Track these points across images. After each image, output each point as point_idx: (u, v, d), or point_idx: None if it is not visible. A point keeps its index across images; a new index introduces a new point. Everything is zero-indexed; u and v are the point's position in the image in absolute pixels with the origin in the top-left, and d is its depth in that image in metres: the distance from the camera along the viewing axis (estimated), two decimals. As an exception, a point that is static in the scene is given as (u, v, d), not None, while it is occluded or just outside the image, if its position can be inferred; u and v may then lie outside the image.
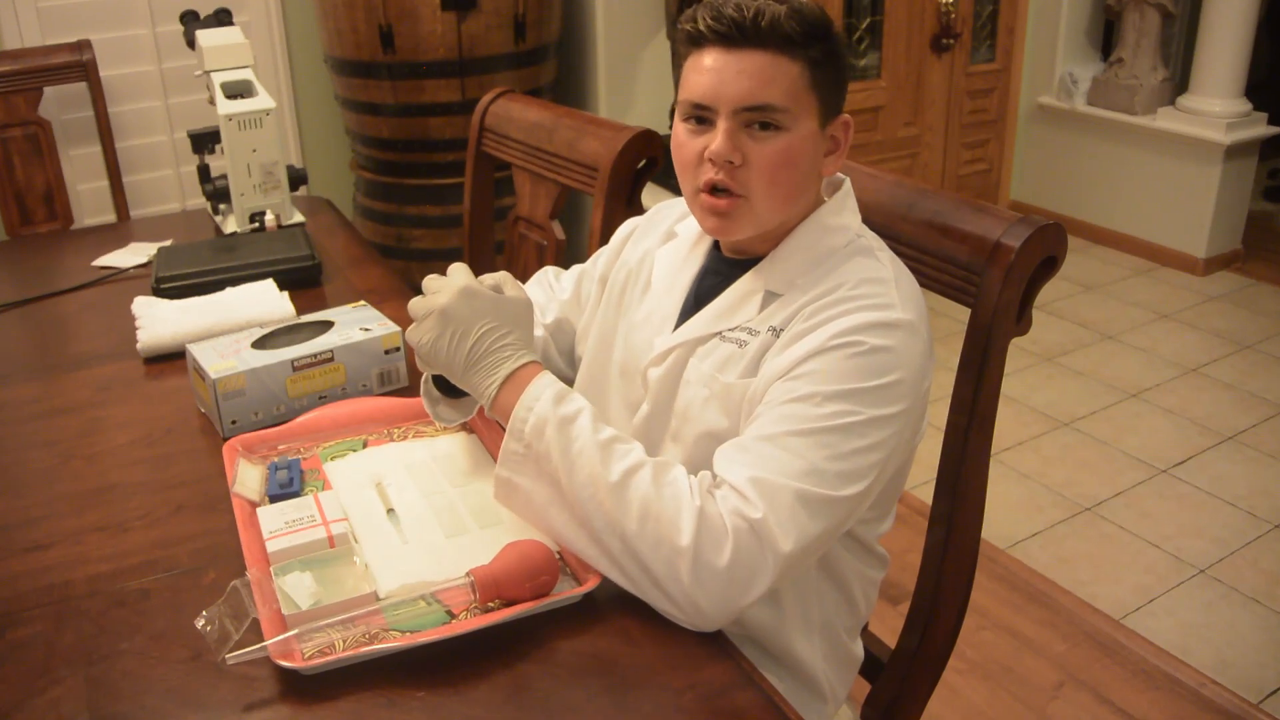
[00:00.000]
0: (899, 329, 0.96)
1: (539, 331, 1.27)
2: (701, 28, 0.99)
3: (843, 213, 1.06)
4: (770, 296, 1.04)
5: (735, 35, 0.97)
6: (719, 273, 1.10)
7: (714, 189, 1.00)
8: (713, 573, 0.87)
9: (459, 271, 1.03)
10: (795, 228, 1.05)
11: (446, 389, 1.15)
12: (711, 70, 0.98)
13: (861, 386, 0.94)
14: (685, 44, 1.02)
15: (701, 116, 1.00)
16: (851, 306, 0.97)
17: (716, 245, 1.12)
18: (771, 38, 0.96)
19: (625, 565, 0.91)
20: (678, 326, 1.10)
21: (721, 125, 0.98)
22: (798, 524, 0.89)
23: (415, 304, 1.03)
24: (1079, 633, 2.14)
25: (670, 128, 1.08)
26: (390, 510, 1.06)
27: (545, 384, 0.98)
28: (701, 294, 1.10)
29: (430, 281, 1.03)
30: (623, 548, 0.90)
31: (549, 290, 1.33)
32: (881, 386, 0.94)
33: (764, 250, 1.06)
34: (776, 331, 1.01)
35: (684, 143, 1.02)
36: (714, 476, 0.94)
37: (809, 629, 1.09)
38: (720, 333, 1.06)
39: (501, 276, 1.07)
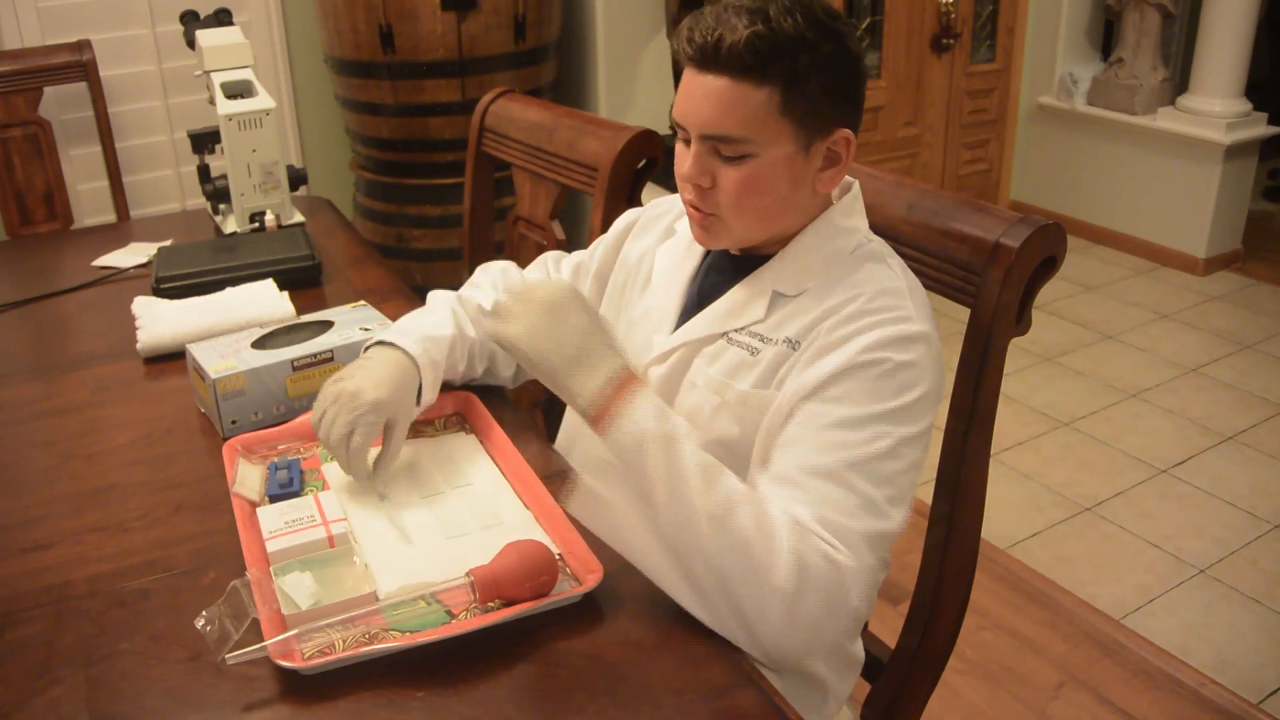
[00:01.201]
0: (919, 342, 0.96)
1: None
2: (684, 45, 0.98)
3: (851, 215, 1.06)
4: (778, 298, 1.03)
5: (700, 59, 0.96)
6: (722, 270, 1.09)
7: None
8: (804, 617, 0.86)
9: (560, 280, 1.00)
10: (803, 229, 1.04)
11: None
12: (685, 91, 0.98)
13: (892, 406, 0.94)
14: (676, 57, 1.02)
15: (685, 136, 1.01)
16: (872, 321, 0.96)
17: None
18: (730, 64, 0.94)
19: (712, 597, 0.87)
20: (679, 324, 1.10)
21: (693, 148, 0.99)
22: (868, 568, 0.90)
23: (504, 300, 0.96)
24: (1079, 633, 2.14)
25: (670, 128, 1.08)
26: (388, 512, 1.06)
27: (649, 396, 0.92)
28: (705, 291, 1.10)
29: (525, 287, 0.97)
30: (714, 580, 0.87)
31: (548, 277, 1.32)
32: (909, 404, 0.95)
33: (771, 250, 1.06)
34: (793, 344, 1.00)
35: (677, 154, 1.03)
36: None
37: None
38: (726, 334, 1.05)
39: (507, 265, 1.09)
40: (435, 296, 1.28)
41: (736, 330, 1.04)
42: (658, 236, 1.20)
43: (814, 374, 0.95)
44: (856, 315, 0.97)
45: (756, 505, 0.88)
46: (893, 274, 1.02)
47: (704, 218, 1.02)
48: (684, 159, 1.01)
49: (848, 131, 1.00)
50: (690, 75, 0.98)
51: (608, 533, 0.92)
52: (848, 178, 1.10)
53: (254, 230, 1.88)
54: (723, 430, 1.03)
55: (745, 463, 1.02)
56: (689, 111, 0.98)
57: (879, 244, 1.06)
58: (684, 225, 1.15)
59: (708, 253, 1.12)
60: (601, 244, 1.27)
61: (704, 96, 0.96)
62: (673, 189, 1.11)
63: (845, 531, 0.89)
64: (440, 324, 1.20)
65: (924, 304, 1.01)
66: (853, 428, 0.93)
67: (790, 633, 0.86)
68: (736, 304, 1.05)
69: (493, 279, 1.31)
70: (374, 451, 1.11)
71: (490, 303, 1.00)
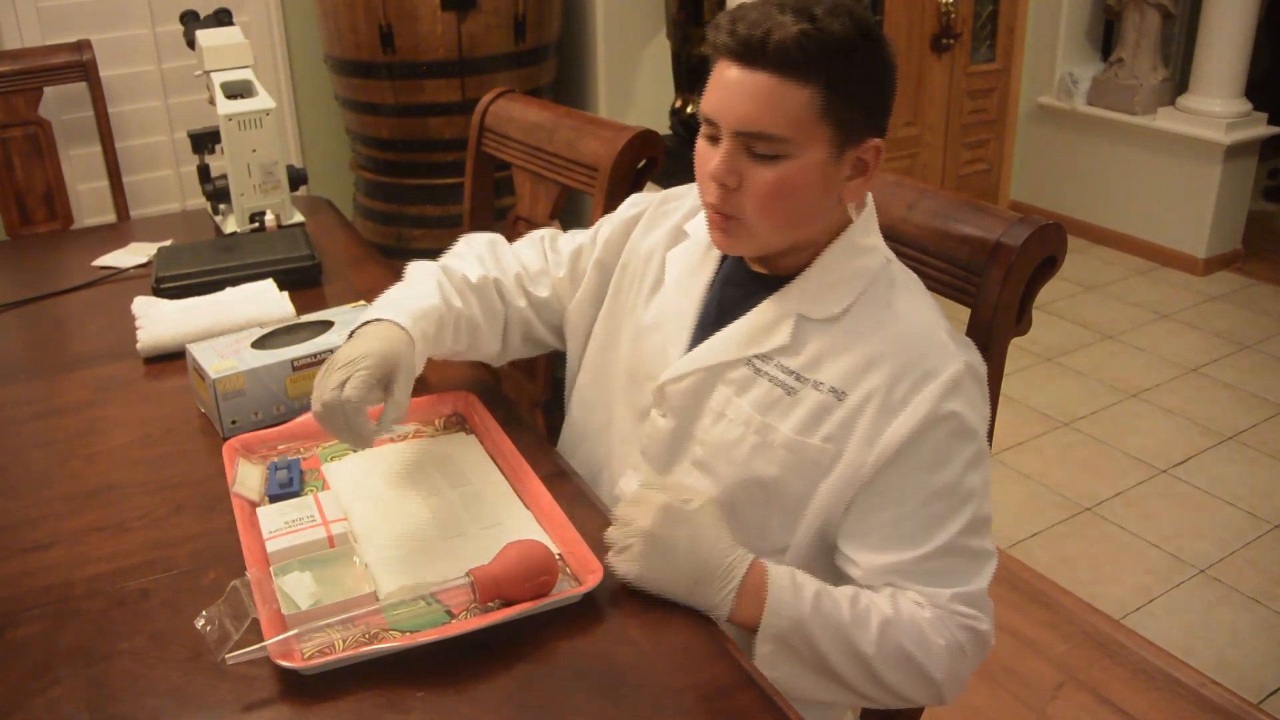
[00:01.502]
0: (969, 378, 0.96)
1: (521, 301, 1.23)
2: (722, 37, 0.94)
3: (870, 233, 1.03)
4: (803, 322, 1.00)
5: (744, 53, 0.92)
6: (740, 284, 1.06)
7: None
8: (962, 680, 0.97)
9: (651, 494, 0.97)
10: (825, 247, 1.01)
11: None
12: (721, 86, 0.95)
13: (972, 453, 0.95)
14: (710, 49, 0.98)
15: (712, 132, 0.97)
16: (930, 373, 0.95)
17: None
18: (778, 61, 0.91)
19: (887, 702, 0.98)
20: (695, 337, 1.06)
21: (723, 145, 0.96)
22: (992, 606, 0.98)
23: (613, 534, 0.95)
24: (1079, 633, 2.14)
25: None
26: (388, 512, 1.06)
27: (777, 578, 0.94)
28: (724, 304, 1.06)
29: (625, 509, 0.97)
30: (887, 694, 0.96)
31: (544, 259, 1.26)
32: (981, 446, 0.97)
33: (791, 266, 1.02)
34: (838, 394, 0.97)
35: (700, 153, 0.99)
36: (909, 594, 0.96)
37: None
38: (750, 359, 1.02)
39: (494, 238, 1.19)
40: (416, 268, 1.22)
41: (762, 357, 1.01)
42: (667, 235, 1.15)
43: (890, 442, 0.94)
44: (911, 369, 0.95)
45: (901, 621, 0.93)
46: (925, 304, 1.00)
47: (725, 220, 0.98)
48: (709, 157, 0.98)
49: (879, 140, 0.98)
50: (728, 69, 0.94)
51: (794, 691, 0.94)
52: None
53: (254, 230, 1.88)
54: (761, 470, 1.00)
55: (783, 504, 1.00)
56: (724, 106, 0.95)
57: (898, 267, 1.03)
58: (696, 227, 1.12)
59: (723, 261, 1.08)
60: (605, 228, 1.21)
61: (744, 92, 0.93)
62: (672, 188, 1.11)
63: (975, 596, 0.96)
64: (426, 295, 1.14)
65: (950, 326, 1.00)
66: (948, 495, 0.95)
67: (950, 695, 0.97)
68: (760, 325, 1.01)
69: (478, 252, 1.25)
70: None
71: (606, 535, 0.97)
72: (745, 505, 1.01)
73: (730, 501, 1.01)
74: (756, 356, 1.01)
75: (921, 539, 0.94)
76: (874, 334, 0.97)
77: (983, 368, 1.00)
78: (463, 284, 1.19)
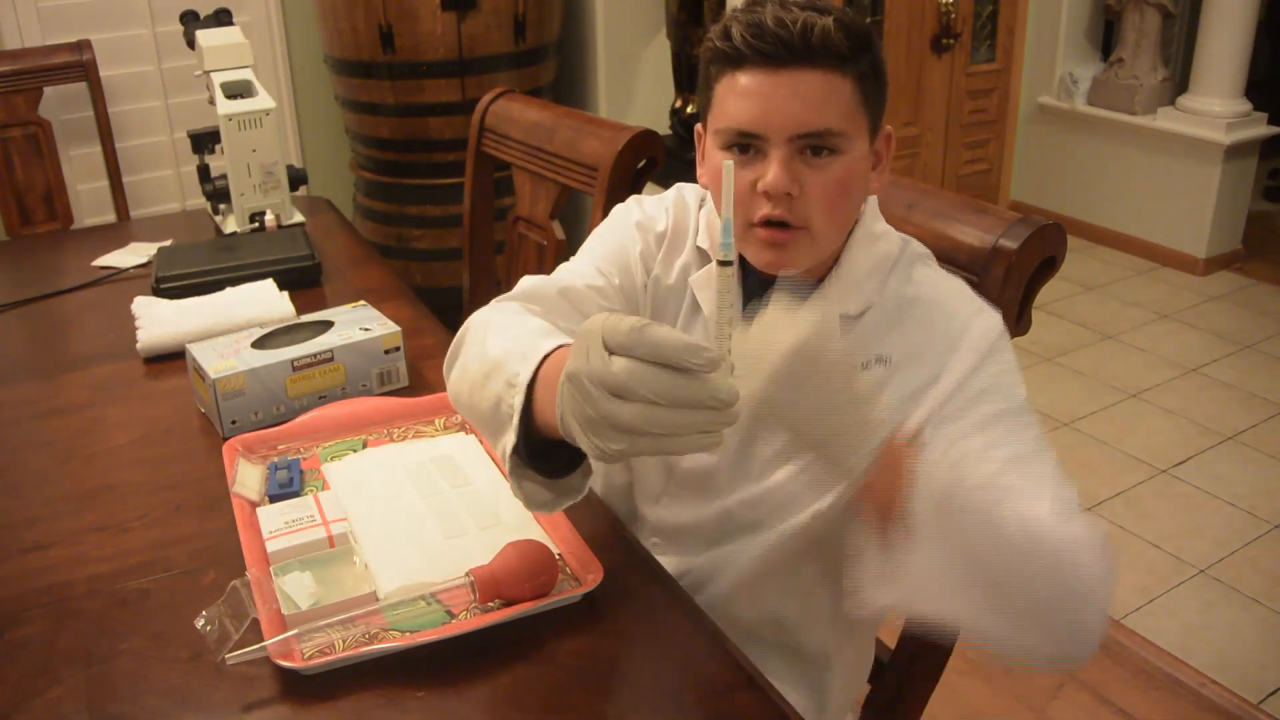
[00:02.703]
0: (999, 325, 0.95)
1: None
2: (740, 45, 0.88)
3: (878, 218, 1.02)
4: (844, 320, 0.97)
5: (782, 54, 0.87)
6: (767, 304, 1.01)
7: (769, 222, 0.91)
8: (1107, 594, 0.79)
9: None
10: (845, 245, 0.99)
11: (541, 462, 0.83)
12: (757, 95, 0.89)
13: (1025, 395, 0.92)
14: (718, 63, 0.91)
15: (747, 145, 0.91)
16: (973, 327, 0.94)
17: (751, 270, 0.99)
18: (823, 54, 0.87)
19: (1022, 635, 0.79)
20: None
21: (775, 155, 0.89)
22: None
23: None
24: (1079, 633, 2.14)
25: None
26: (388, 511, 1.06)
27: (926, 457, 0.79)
28: None
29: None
30: (1029, 598, 0.77)
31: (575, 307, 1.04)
32: (1024, 390, 0.94)
33: (815, 272, 0.99)
34: (884, 360, 0.95)
35: (733, 171, 0.89)
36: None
37: (834, 622, 1.09)
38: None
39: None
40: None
41: None
42: (691, 256, 1.06)
43: (949, 381, 0.92)
44: (953, 318, 0.94)
45: (1044, 510, 0.77)
46: (944, 274, 0.99)
47: (789, 234, 0.91)
48: (745, 173, 0.90)
49: (890, 127, 0.97)
50: (759, 77, 0.88)
51: (905, 598, 0.80)
52: None
53: (254, 230, 1.88)
54: (813, 506, 0.98)
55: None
56: (769, 115, 0.88)
57: (916, 244, 1.02)
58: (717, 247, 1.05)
59: (747, 282, 1.00)
60: (611, 259, 1.06)
61: (791, 94, 0.88)
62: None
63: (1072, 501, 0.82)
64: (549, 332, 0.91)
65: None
66: (1021, 411, 0.90)
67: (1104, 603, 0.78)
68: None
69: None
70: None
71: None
72: (787, 557, 1.00)
73: (779, 487, 1.00)
74: None
75: (1018, 438, 0.87)
76: (908, 306, 0.97)
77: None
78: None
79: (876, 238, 1.00)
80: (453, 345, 0.98)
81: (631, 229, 1.08)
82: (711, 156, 0.95)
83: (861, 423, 0.76)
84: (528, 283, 1.03)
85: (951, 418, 0.91)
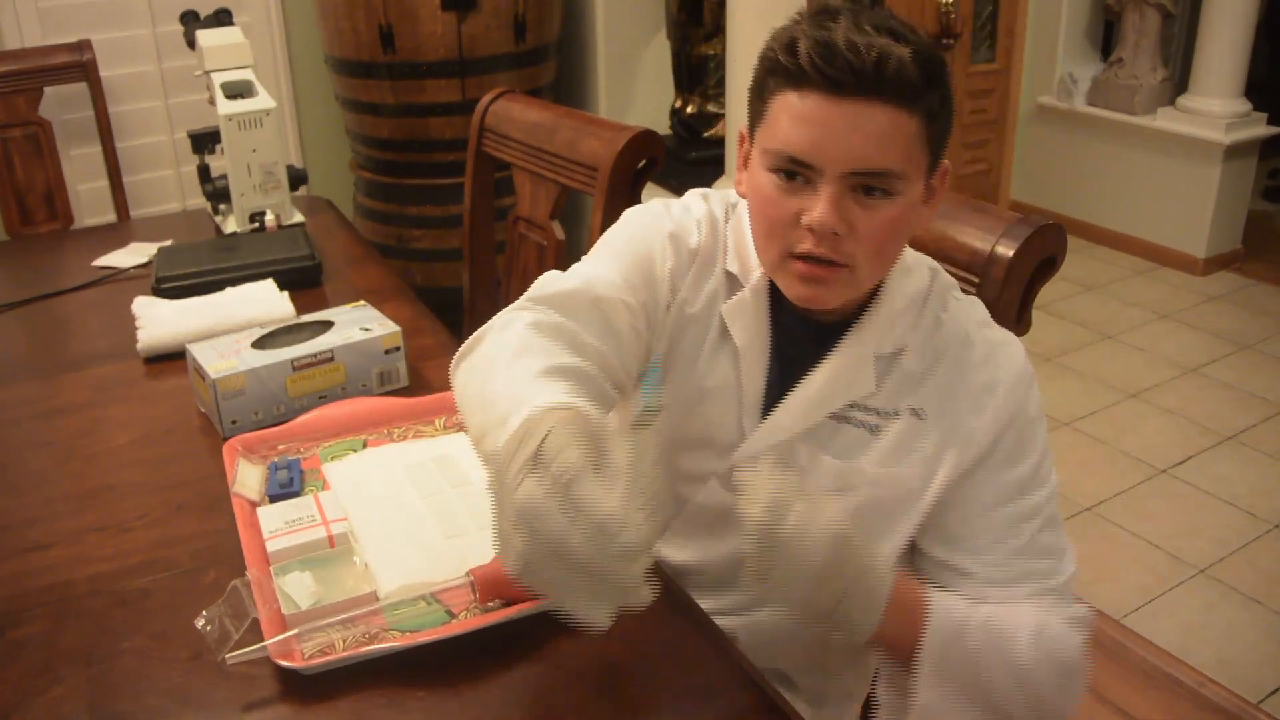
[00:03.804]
0: (1026, 360, 0.94)
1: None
2: (806, 65, 0.81)
3: (906, 247, 0.95)
4: (879, 360, 0.93)
5: (850, 82, 0.80)
6: (801, 339, 0.95)
7: (810, 256, 0.86)
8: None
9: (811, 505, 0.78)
10: (884, 279, 0.93)
11: None
12: (815, 122, 0.82)
13: (1045, 441, 0.93)
14: (777, 76, 0.84)
15: (795, 172, 0.85)
16: (1004, 364, 0.92)
17: (781, 300, 0.95)
18: (894, 88, 0.80)
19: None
20: (767, 403, 0.95)
21: (825, 190, 0.83)
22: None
23: (757, 554, 0.76)
24: (1079, 633, 2.14)
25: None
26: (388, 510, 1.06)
27: (937, 595, 0.85)
28: (789, 363, 0.95)
29: (762, 516, 0.76)
30: (1037, 710, 0.86)
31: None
32: (1044, 430, 0.94)
33: (850, 307, 0.93)
34: (919, 413, 0.92)
35: (774, 198, 0.86)
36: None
37: (857, 666, 1.08)
38: (834, 414, 0.93)
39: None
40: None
41: (845, 408, 0.93)
42: (719, 284, 0.98)
43: (983, 441, 0.90)
44: (983, 367, 0.91)
45: (1052, 626, 0.87)
46: (968, 302, 0.96)
47: (829, 271, 0.85)
48: (788, 201, 0.85)
49: (948, 162, 0.91)
50: (821, 103, 0.81)
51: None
52: None
53: (254, 230, 1.88)
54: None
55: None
56: (825, 147, 0.82)
57: (943, 274, 0.97)
58: (748, 273, 0.96)
59: (778, 314, 0.96)
60: (638, 271, 0.96)
61: (854, 127, 0.81)
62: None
63: (1073, 574, 0.91)
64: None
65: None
66: (1038, 480, 0.91)
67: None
68: (839, 377, 0.92)
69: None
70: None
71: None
72: None
73: None
74: (841, 409, 0.93)
75: (1026, 528, 0.90)
76: (943, 349, 0.92)
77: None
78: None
79: (909, 270, 0.95)
80: (465, 346, 0.91)
81: (664, 240, 0.97)
82: (755, 176, 0.88)
83: (872, 587, 0.79)
84: (559, 285, 0.93)
85: (976, 498, 0.91)
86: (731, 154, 2.75)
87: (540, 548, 0.65)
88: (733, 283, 0.97)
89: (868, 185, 0.83)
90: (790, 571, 0.76)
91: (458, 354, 0.92)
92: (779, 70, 0.84)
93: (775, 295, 0.95)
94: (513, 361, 0.82)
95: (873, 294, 0.93)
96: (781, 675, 1.04)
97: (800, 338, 0.94)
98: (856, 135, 0.81)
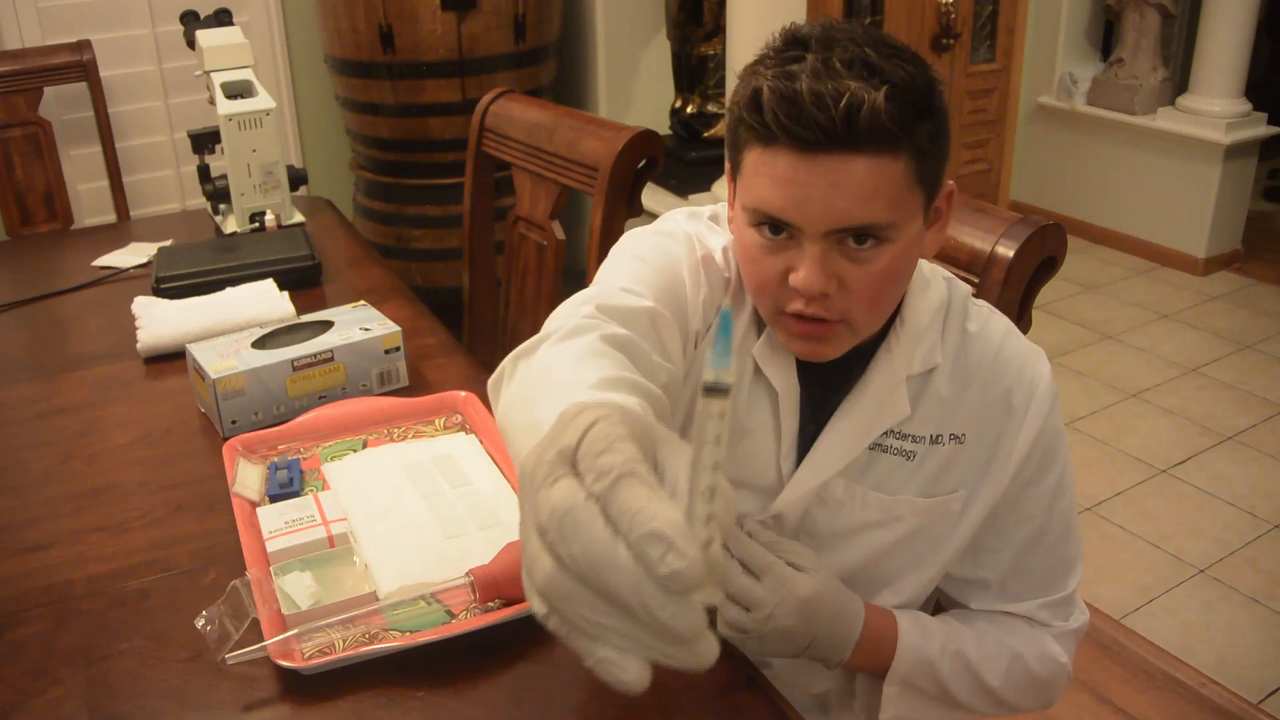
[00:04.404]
0: (1050, 372, 0.93)
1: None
2: (771, 124, 0.75)
3: (921, 259, 0.91)
4: (912, 381, 0.89)
5: (820, 140, 0.74)
6: (829, 370, 0.90)
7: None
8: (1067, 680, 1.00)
9: (791, 581, 0.84)
10: (904, 298, 0.89)
11: None
12: (792, 182, 0.76)
13: (1067, 450, 0.95)
14: (747, 132, 0.78)
15: (779, 228, 0.79)
16: (1033, 379, 0.91)
17: None
18: (870, 138, 0.74)
19: (1000, 715, 0.98)
20: (802, 444, 0.92)
21: (810, 250, 0.78)
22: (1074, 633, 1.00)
23: (740, 619, 0.83)
24: (1079, 633, 2.14)
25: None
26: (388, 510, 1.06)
27: (906, 625, 0.91)
28: (818, 399, 0.91)
29: (754, 591, 0.83)
30: (1004, 710, 0.97)
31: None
32: (1065, 439, 0.95)
33: (870, 330, 0.88)
34: (958, 438, 0.90)
35: (758, 258, 0.81)
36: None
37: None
38: (871, 443, 0.90)
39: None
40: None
41: (881, 437, 0.90)
42: (750, 321, 0.92)
43: (1017, 458, 0.91)
44: (1017, 385, 0.90)
45: (1032, 653, 0.95)
46: (987, 310, 0.93)
47: (824, 328, 0.82)
48: (770, 260, 0.81)
49: (952, 183, 0.85)
50: (794, 162, 0.75)
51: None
52: None
53: (254, 230, 1.88)
54: (884, 540, 0.93)
55: (905, 568, 0.94)
56: (802, 207, 0.76)
57: (958, 283, 0.94)
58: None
59: (787, 355, 0.91)
60: (666, 293, 0.87)
61: (831, 185, 0.75)
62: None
63: (1075, 590, 0.97)
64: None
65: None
66: (1060, 495, 0.94)
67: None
68: (871, 405, 0.89)
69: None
70: None
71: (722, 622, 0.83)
72: (862, 582, 0.93)
73: (849, 580, 0.91)
74: (877, 438, 0.90)
75: (1045, 541, 0.94)
76: (974, 365, 0.90)
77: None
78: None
79: (927, 283, 0.90)
80: (517, 352, 0.78)
81: (696, 265, 0.90)
82: (741, 231, 0.83)
83: (840, 633, 0.88)
84: (618, 299, 0.82)
85: (1003, 502, 0.93)
86: (731, 154, 2.74)
87: (571, 569, 0.50)
88: (761, 322, 0.91)
89: (852, 239, 0.78)
90: (761, 630, 0.84)
91: (500, 369, 0.79)
92: (746, 127, 0.78)
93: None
94: (576, 368, 0.69)
95: (894, 313, 0.88)
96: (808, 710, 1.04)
97: (825, 369, 0.89)
98: (835, 193, 0.75)
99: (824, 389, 0.91)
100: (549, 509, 0.51)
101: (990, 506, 0.92)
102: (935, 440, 0.90)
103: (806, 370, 0.91)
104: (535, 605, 0.54)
